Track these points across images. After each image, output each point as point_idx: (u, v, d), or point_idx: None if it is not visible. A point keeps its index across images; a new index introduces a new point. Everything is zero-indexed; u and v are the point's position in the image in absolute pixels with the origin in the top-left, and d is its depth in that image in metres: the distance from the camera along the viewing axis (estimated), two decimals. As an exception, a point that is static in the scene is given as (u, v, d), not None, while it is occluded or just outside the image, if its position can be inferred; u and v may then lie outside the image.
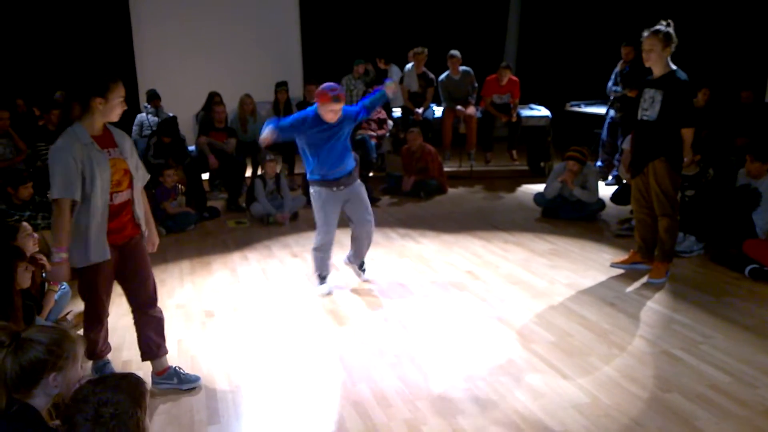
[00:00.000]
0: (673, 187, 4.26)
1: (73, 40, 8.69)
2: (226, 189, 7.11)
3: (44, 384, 1.79)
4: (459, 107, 7.80)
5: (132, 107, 2.92)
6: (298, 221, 6.19)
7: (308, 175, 4.16)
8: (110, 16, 8.94)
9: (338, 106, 3.90)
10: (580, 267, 4.74)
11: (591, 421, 2.74)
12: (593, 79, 8.60)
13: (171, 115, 7.62)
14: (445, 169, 7.63)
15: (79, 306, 4.00)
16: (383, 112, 7.77)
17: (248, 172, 7.38)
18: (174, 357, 3.23)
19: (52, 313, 3.67)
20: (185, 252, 5.26)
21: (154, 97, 7.96)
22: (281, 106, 7.83)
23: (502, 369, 3.22)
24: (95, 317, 3.00)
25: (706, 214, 5.08)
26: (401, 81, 8.03)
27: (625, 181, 6.18)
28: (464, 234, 5.67)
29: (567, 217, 6.03)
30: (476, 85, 8.00)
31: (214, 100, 7.29)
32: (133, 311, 3.05)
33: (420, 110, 7.91)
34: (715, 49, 7.78)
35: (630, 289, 4.32)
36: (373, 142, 7.48)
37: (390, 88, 4.13)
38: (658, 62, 4.10)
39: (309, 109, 4.05)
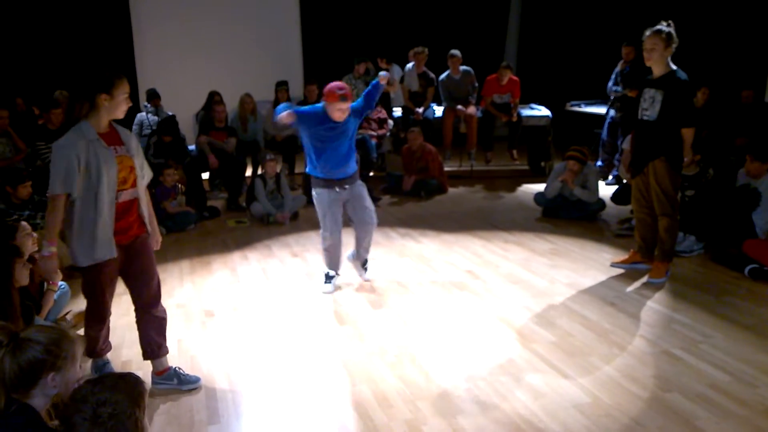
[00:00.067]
0: (673, 187, 4.26)
1: (73, 39, 8.69)
2: (226, 188, 7.11)
3: (43, 384, 1.79)
4: (459, 107, 7.80)
5: (132, 106, 2.91)
6: (298, 221, 6.19)
7: (310, 170, 4.16)
8: (110, 15, 8.93)
9: (345, 105, 3.93)
10: (581, 266, 4.74)
11: (592, 421, 2.74)
12: (593, 79, 8.60)
13: (170, 114, 7.61)
14: (446, 168, 7.63)
15: (78, 306, 4.00)
16: (383, 111, 7.77)
17: (248, 172, 7.37)
18: (174, 357, 3.22)
19: (51, 312, 3.67)
20: (185, 251, 5.26)
21: (153, 96, 7.95)
22: (281, 106, 7.82)
23: (503, 369, 3.22)
24: (97, 316, 3.00)
25: (706, 214, 5.08)
26: (402, 80, 8.02)
27: (625, 181, 6.18)
28: (464, 233, 5.67)
29: (567, 216, 6.03)
30: (477, 84, 8.00)
31: (214, 99, 7.29)
32: (136, 310, 3.04)
33: (420, 110, 7.91)
34: (714, 48, 7.77)
35: (630, 288, 4.32)
36: (374, 141, 7.48)
37: (383, 78, 4.12)
38: (659, 62, 4.10)
39: (319, 105, 4.07)
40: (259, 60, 9.55)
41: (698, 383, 3.04)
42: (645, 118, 4.20)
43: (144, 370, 3.11)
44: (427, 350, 3.44)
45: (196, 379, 3.09)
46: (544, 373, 3.17)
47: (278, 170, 6.50)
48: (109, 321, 3.08)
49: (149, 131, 7.45)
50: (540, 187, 6.58)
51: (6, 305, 2.85)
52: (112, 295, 2.99)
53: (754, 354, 3.33)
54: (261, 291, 4.38)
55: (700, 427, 2.68)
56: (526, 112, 8.10)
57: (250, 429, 2.77)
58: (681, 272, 4.58)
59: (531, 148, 8.45)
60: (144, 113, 7.84)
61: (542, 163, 8.21)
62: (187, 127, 8.37)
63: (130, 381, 1.80)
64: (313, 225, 5.94)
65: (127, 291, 3.05)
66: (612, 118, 7.58)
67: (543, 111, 8.20)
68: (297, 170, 7.94)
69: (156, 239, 3.08)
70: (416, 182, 7.17)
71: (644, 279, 4.44)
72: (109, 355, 3.19)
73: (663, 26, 4.06)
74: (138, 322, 3.05)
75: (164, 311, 3.09)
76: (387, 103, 8.08)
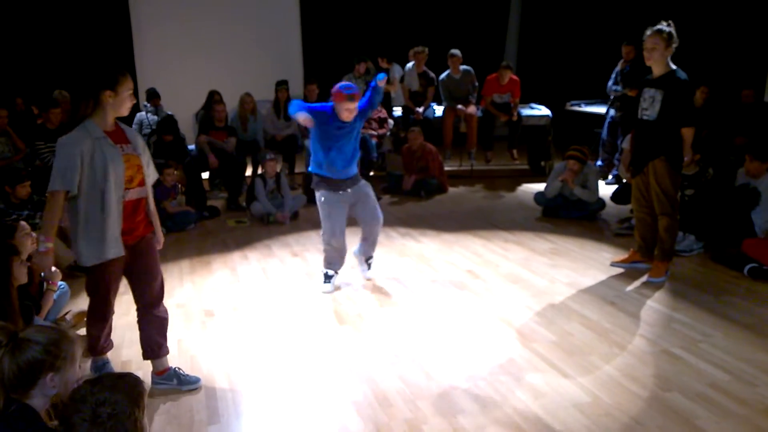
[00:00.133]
0: (673, 187, 4.26)
1: (73, 39, 8.69)
2: (226, 188, 7.11)
3: (42, 384, 1.79)
4: (459, 106, 7.79)
5: (132, 106, 2.92)
6: (298, 220, 6.19)
7: (314, 170, 4.17)
8: (110, 15, 8.93)
9: (353, 105, 3.97)
10: (581, 266, 4.74)
11: (592, 420, 2.74)
12: (593, 79, 8.60)
13: (170, 113, 7.61)
14: (446, 168, 7.63)
15: (78, 305, 4.00)
16: (384, 111, 7.77)
17: (248, 171, 7.37)
18: (174, 356, 3.22)
19: (50, 312, 3.67)
20: (185, 251, 5.26)
21: (153, 96, 7.95)
22: (282, 105, 7.82)
23: (503, 368, 3.22)
24: (100, 314, 2.99)
25: (706, 214, 5.08)
26: (402, 80, 8.02)
27: (625, 181, 6.18)
28: (465, 233, 5.67)
29: (567, 216, 6.03)
30: (477, 84, 8.00)
31: (214, 98, 7.28)
32: (138, 309, 3.03)
33: (420, 109, 7.91)
34: (714, 48, 7.77)
35: (630, 288, 4.32)
36: (374, 141, 7.48)
37: (381, 82, 4.14)
38: (659, 62, 4.10)
39: (329, 104, 4.10)
40: (259, 59, 9.55)
41: (698, 382, 3.04)
42: (645, 117, 4.20)
43: (144, 370, 3.11)
44: (427, 350, 3.44)
45: (196, 380, 3.08)
46: (544, 372, 3.17)
47: (278, 170, 6.50)
48: (111, 320, 3.08)
49: (149, 131, 7.45)
50: (540, 186, 6.58)
51: (5, 304, 2.85)
52: (116, 295, 2.99)
53: (754, 353, 3.33)
54: (261, 291, 4.38)
55: (700, 426, 2.68)
56: (526, 111, 8.10)
57: (250, 429, 2.77)
58: (681, 271, 4.58)
59: (531, 148, 8.45)
60: (144, 113, 7.84)
61: (542, 163, 8.21)
62: (187, 126, 8.37)
63: (130, 381, 1.80)
64: (314, 225, 5.94)
65: (127, 290, 3.05)
66: (612, 117, 7.58)
67: (543, 110, 8.20)
68: (297, 170, 7.94)
69: (159, 239, 3.08)
70: (416, 182, 7.17)
71: (644, 278, 4.44)
72: (108, 355, 3.19)
73: (664, 26, 4.06)
74: (139, 321, 3.05)
75: (166, 311, 3.09)
76: (387, 103, 8.08)
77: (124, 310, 3.62)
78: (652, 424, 2.70)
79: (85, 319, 3.10)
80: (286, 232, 5.82)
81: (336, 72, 8.34)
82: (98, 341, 3.05)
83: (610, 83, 7.62)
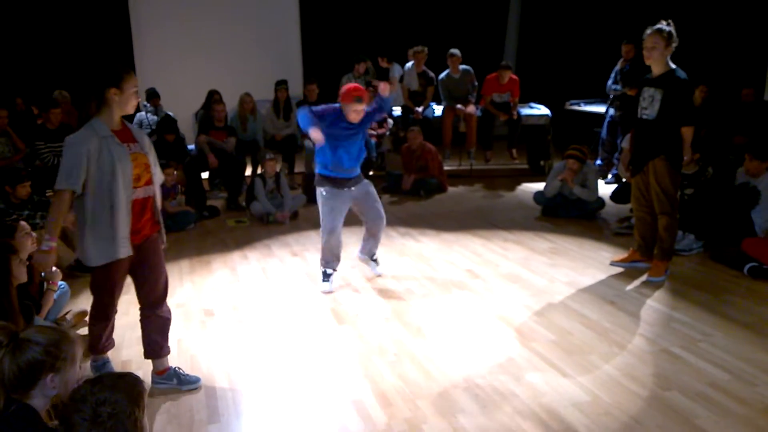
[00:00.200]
0: (673, 186, 4.26)
1: (73, 38, 8.69)
2: (225, 188, 7.11)
3: (42, 385, 1.79)
4: (459, 106, 7.79)
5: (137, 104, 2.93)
6: (298, 220, 6.19)
7: (321, 170, 4.19)
8: (109, 14, 8.93)
9: (361, 107, 4.03)
10: (580, 265, 4.74)
11: (591, 420, 2.74)
12: (593, 78, 8.59)
13: (169, 113, 7.61)
14: (445, 167, 7.63)
15: (78, 305, 4.01)
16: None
17: (248, 171, 7.37)
18: (174, 356, 3.22)
19: (51, 312, 3.67)
20: (185, 251, 5.26)
21: (153, 95, 7.95)
22: (281, 105, 7.83)
23: (502, 368, 3.22)
24: (103, 313, 2.99)
25: (706, 213, 5.08)
26: (401, 80, 8.02)
27: (624, 180, 6.18)
28: (464, 232, 5.67)
29: (567, 215, 6.04)
30: (476, 83, 8.00)
31: (213, 98, 7.29)
32: (141, 309, 3.03)
33: (420, 109, 7.91)
34: (713, 47, 7.77)
35: (630, 287, 4.32)
36: (373, 140, 7.48)
37: (384, 90, 4.16)
38: (659, 61, 4.10)
39: (336, 105, 4.16)
40: (259, 59, 9.55)
41: (698, 382, 3.04)
42: (644, 116, 4.20)
43: (144, 369, 3.12)
44: (426, 349, 3.45)
45: (196, 380, 3.09)
46: (543, 371, 3.17)
47: (278, 169, 6.50)
48: (114, 319, 3.07)
49: (149, 131, 7.45)
50: (539, 186, 6.58)
51: (5, 303, 2.85)
52: (120, 294, 2.98)
53: (754, 352, 3.33)
54: (261, 290, 4.39)
55: (700, 426, 2.68)
56: (525, 111, 8.10)
57: (250, 428, 2.77)
58: (680, 271, 4.59)
59: (530, 147, 8.45)
60: (143, 113, 7.84)
61: (542, 162, 8.21)
62: (187, 126, 8.37)
63: (130, 381, 1.80)
64: (313, 224, 5.94)
65: (126, 290, 3.05)
66: (611, 116, 7.58)
67: (542, 110, 8.20)
68: (296, 170, 7.94)
69: (163, 238, 3.07)
70: (416, 181, 7.17)
71: (643, 277, 4.44)
72: (109, 355, 3.19)
73: (663, 25, 4.06)
74: (142, 320, 3.04)
75: (169, 311, 3.09)
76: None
77: (124, 309, 3.62)
78: (652, 424, 2.71)
79: (87, 318, 3.09)
80: (286, 231, 5.82)
81: (335, 72, 8.36)
82: (100, 340, 3.05)
83: (609, 82, 7.61)
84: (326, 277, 4.34)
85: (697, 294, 4.17)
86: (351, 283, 4.48)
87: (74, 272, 4.55)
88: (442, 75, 7.92)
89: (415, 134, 7.15)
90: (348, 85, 4.11)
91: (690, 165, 5.03)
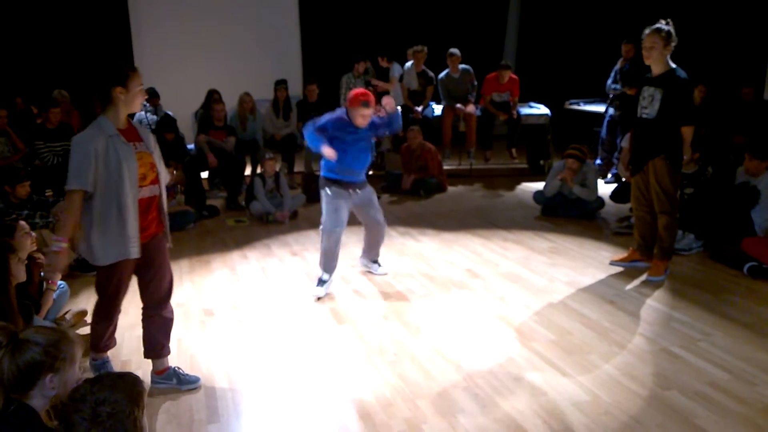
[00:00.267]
0: (673, 185, 4.26)
1: (72, 38, 8.69)
2: (225, 187, 7.10)
3: (41, 385, 1.79)
4: (459, 105, 7.79)
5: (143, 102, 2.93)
6: (297, 220, 6.19)
7: (326, 174, 4.19)
8: (109, 14, 8.93)
9: (368, 111, 4.06)
10: (580, 265, 4.74)
11: (591, 419, 2.74)
12: (593, 77, 8.59)
13: (169, 113, 7.61)
14: (445, 167, 7.63)
15: (77, 305, 4.01)
16: (383, 110, 7.75)
17: (247, 171, 7.37)
18: (173, 356, 3.22)
19: (50, 312, 3.66)
20: (184, 251, 5.25)
21: (153, 95, 7.94)
22: (281, 104, 7.83)
23: (502, 367, 3.22)
24: (107, 313, 2.97)
25: (705, 212, 5.08)
26: (401, 79, 8.02)
27: (624, 179, 6.17)
28: (464, 232, 5.67)
29: (566, 215, 6.03)
30: (476, 83, 8.00)
31: (213, 98, 7.28)
32: (144, 308, 3.02)
33: (420, 108, 7.91)
34: (712, 46, 7.77)
35: (629, 286, 4.32)
36: (373, 140, 7.47)
37: (390, 105, 4.18)
38: (658, 60, 4.10)
39: (340, 111, 4.20)
40: (258, 59, 9.54)
41: (697, 381, 3.04)
42: (644, 116, 4.20)
43: (143, 369, 3.12)
44: (426, 349, 3.44)
45: (196, 380, 3.08)
46: (543, 371, 3.17)
47: (277, 169, 6.50)
48: (117, 319, 3.06)
49: (148, 130, 7.44)
50: (539, 185, 6.58)
51: (4, 303, 2.85)
52: (125, 294, 2.96)
53: (753, 352, 3.33)
54: (260, 290, 4.38)
55: (699, 425, 2.68)
56: (525, 110, 8.10)
57: (249, 428, 2.77)
58: (680, 270, 4.59)
59: (530, 147, 8.45)
60: (143, 112, 7.82)
61: (541, 162, 8.21)
62: (186, 126, 8.36)
63: (129, 380, 1.80)
64: (313, 224, 5.94)
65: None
66: (611, 116, 7.58)
67: (542, 109, 8.20)
68: (296, 169, 7.94)
69: (168, 238, 3.05)
70: (415, 181, 7.17)
71: (643, 277, 4.44)
72: (108, 354, 3.18)
73: (662, 24, 4.06)
74: (144, 320, 3.03)
75: (172, 312, 3.08)
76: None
77: (124, 309, 3.59)
78: (652, 423, 2.71)
79: (90, 317, 3.07)
80: (286, 231, 5.82)
81: (335, 71, 8.35)
82: (102, 339, 3.04)
83: (609, 82, 7.61)
84: (321, 283, 4.26)
85: (696, 293, 4.17)
86: (351, 282, 4.48)
87: (74, 272, 4.54)
88: (442, 74, 7.92)
89: (414, 134, 7.15)
90: (356, 90, 4.16)
91: (690, 164, 5.03)
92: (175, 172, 6.06)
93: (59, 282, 3.74)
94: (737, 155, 5.65)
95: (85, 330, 3.74)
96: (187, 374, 3.09)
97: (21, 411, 1.75)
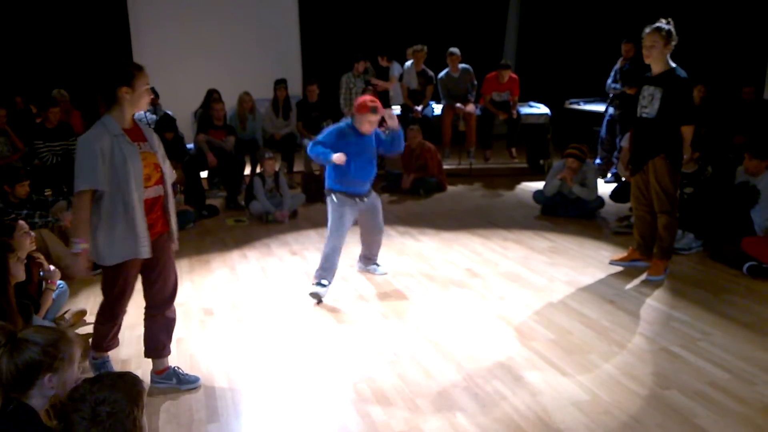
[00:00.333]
0: (673, 185, 4.26)
1: (72, 37, 8.68)
2: (224, 187, 7.10)
3: (40, 385, 1.79)
4: (458, 105, 7.79)
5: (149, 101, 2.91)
6: (297, 219, 6.18)
7: (331, 185, 4.19)
8: (108, 13, 8.92)
9: (375, 117, 4.08)
10: (579, 264, 4.74)
11: (591, 419, 2.74)
12: (592, 77, 8.59)
13: (168, 112, 7.60)
14: (445, 166, 7.63)
15: (77, 304, 4.00)
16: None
17: (247, 170, 7.37)
18: (173, 355, 3.21)
19: (49, 312, 3.66)
20: (184, 250, 5.23)
21: (152, 95, 7.93)
22: (280, 104, 7.82)
23: (502, 367, 3.22)
24: (111, 313, 2.95)
25: (705, 212, 5.08)
26: (401, 78, 8.02)
27: (624, 179, 6.17)
28: (463, 232, 5.67)
29: (566, 214, 6.03)
30: (475, 82, 7.99)
31: (212, 97, 7.28)
32: (147, 308, 3.01)
33: (419, 108, 7.90)
34: (712, 46, 7.77)
35: (629, 286, 4.32)
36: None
37: (391, 120, 4.18)
38: (658, 59, 4.10)
39: (342, 123, 4.22)
40: (258, 58, 9.53)
41: (697, 381, 3.04)
42: (644, 115, 4.20)
43: (143, 369, 3.12)
44: (425, 348, 3.44)
45: (195, 379, 3.08)
46: (542, 370, 3.17)
47: (277, 168, 6.49)
48: (122, 319, 3.03)
49: (152, 130, 7.43)
50: (539, 185, 6.58)
51: (3, 302, 2.85)
52: (131, 295, 2.94)
53: (753, 351, 3.33)
54: (260, 289, 4.38)
55: (699, 425, 2.68)
56: (525, 110, 8.09)
57: (249, 427, 2.77)
58: (680, 270, 4.59)
59: (530, 146, 8.44)
60: (142, 111, 7.81)
61: (541, 161, 8.21)
62: (186, 125, 8.36)
63: (129, 380, 1.80)
64: (312, 223, 5.94)
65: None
66: (611, 115, 7.58)
67: (542, 109, 8.19)
68: (296, 169, 7.94)
69: (174, 239, 3.02)
70: (415, 180, 7.17)
71: (643, 276, 4.44)
72: (109, 353, 3.17)
73: (663, 24, 4.06)
74: (147, 319, 3.02)
75: (174, 312, 3.07)
76: (386, 101, 8.07)
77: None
78: (651, 423, 2.71)
79: (95, 316, 3.02)
80: (285, 230, 5.81)
81: (335, 71, 8.34)
82: (105, 339, 3.03)
83: (609, 81, 7.61)
84: (321, 286, 4.15)
85: (696, 293, 4.17)
86: (350, 282, 4.48)
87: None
88: (442, 74, 7.91)
89: (414, 133, 7.14)
90: (363, 97, 4.18)
91: (690, 164, 5.03)
92: (174, 171, 6.06)
93: (58, 282, 3.75)
94: (737, 155, 5.65)
95: (85, 329, 3.75)
96: (187, 374, 3.09)
97: (20, 410, 1.75)
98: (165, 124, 6.78)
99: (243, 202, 6.49)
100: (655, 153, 4.20)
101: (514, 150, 7.96)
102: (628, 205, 5.52)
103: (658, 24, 4.06)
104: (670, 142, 4.15)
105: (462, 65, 7.89)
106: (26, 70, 8.43)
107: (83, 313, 3.89)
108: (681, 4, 7.61)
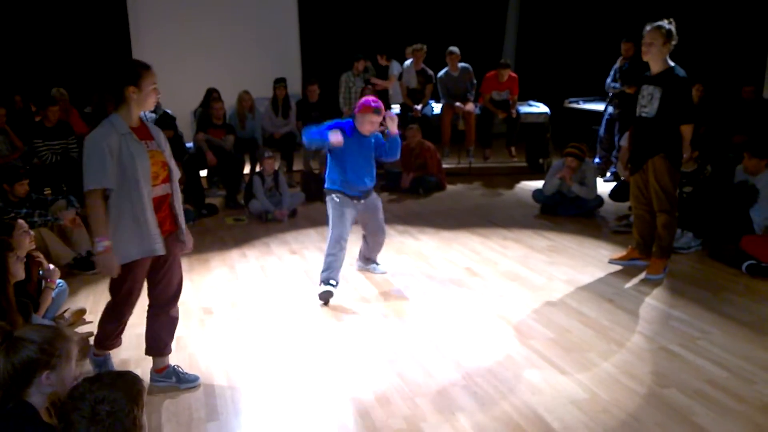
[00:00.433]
0: (672, 184, 4.26)
1: (71, 36, 8.68)
2: (224, 186, 7.10)
3: (38, 383, 1.79)
4: (458, 104, 7.79)
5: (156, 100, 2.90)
6: (296, 218, 6.18)
7: (329, 186, 4.19)
8: (108, 12, 8.92)
9: (377, 118, 4.09)
10: (579, 263, 4.75)
11: (589, 417, 2.74)
12: (592, 76, 8.59)
13: (168, 111, 7.60)
14: (444, 165, 7.63)
15: (76, 303, 4.01)
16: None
17: (246, 169, 7.37)
18: (173, 354, 3.21)
19: (49, 310, 3.66)
20: (183, 249, 5.25)
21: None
22: (280, 103, 7.82)
23: (501, 365, 3.22)
24: (118, 313, 2.93)
25: (704, 211, 5.08)
26: (400, 77, 8.02)
27: (623, 178, 6.18)
28: (463, 231, 5.67)
29: (565, 213, 6.03)
30: (475, 81, 7.99)
31: (212, 96, 7.27)
32: (151, 306, 3.00)
33: (419, 107, 7.90)
34: (711, 45, 7.77)
35: (628, 285, 4.32)
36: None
37: (391, 122, 4.20)
38: (656, 57, 4.10)
39: (347, 120, 4.21)
40: (258, 57, 9.53)
41: (696, 379, 3.04)
42: (643, 114, 4.20)
43: (142, 368, 3.12)
44: (425, 347, 3.45)
45: (195, 378, 3.08)
46: (542, 369, 3.17)
47: (276, 167, 6.50)
48: (127, 319, 3.00)
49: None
50: (538, 184, 6.58)
51: (2, 301, 2.85)
52: (138, 296, 2.92)
53: (752, 350, 3.34)
54: (259, 288, 4.38)
55: (698, 423, 2.69)
56: (524, 109, 8.10)
57: (248, 426, 2.77)
58: (679, 269, 4.59)
59: (529, 145, 8.45)
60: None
61: (540, 160, 8.21)
62: (185, 124, 8.36)
63: (129, 379, 1.80)
64: (312, 222, 5.95)
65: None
66: (610, 114, 7.58)
67: (541, 108, 8.19)
68: (295, 167, 7.94)
69: (189, 239, 2.99)
70: (414, 179, 7.17)
71: (642, 275, 4.44)
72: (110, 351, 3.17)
73: (664, 23, 4.06)
74: (150, 317, 3.01)
75: (178, 311, 3.07)
76: (385, 101, 8.07)
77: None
78: (650, 421, 2.71)
79: (101, 314, 3.00)
80: (285, 229, 5.81)
81: (334, 70, 8.34)
82: (108, 339, 3.02)
83: (608, 80, 7.61)
84: (329, 286, 4.08)
85: (695, 292, 4.17)
86: (350, 281, 4.48)
87: (73, 270, 4.54)
88: (441, 73, 7.91)
89: (413, 132, 7.14)
90: (368, 97, 4.19)
91: (689, 163, 5.03)
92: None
93: (58, 280, 3.75)
94: (736, 154, 5.66)
95: (84, 328, 3.76)
96: (187, 373, 3.09)
97: (20, 408, 1.75)
98: (164, 123, 6.78)
99: (242, 201, 6.49)
100: (654, 152, 4.20)
101: (513, 149, 7.96)
102: (627, 204, 5.53)
103: (659, 23, 4.06)
104: (669, 141, 4.16)
105: (461, 64, 7.89)
106: (26, 69, 8.43)
107: (83, 311, 3.89)
108: (681, 3, 7.61)
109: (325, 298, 4.06)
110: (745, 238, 4.61)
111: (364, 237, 4.54)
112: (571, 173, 5.94)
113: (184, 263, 4.84)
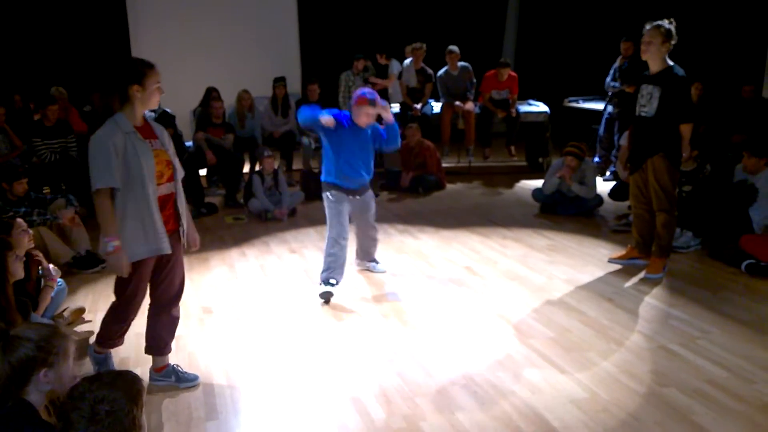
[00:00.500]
0: (671, 183, 4.26)
1: (71, 36, 8.67)
2: (223, 185, 7.10)
3: (35, 381, 1.79)
4: (457, 103, 7.79)
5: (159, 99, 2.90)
6: (296, 217, 6.18)
7: (325, 178, 4.18)
8: (108, 11, 8.91)
9: (373, 110, 4.06)
10: (578, 262, 4.75)
11: (589, 416, 2.74)
12: (591, 75, 8.60)
13: (167, 110, 7.59)
14: (444, 164, 7.63)
15: (75, 302, 4.00)
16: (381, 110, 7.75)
17: (246, 168, 7.36)
18: (172, 354, 3.21)
19: (48, 309, 3.66)
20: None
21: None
22: (279, 102, 7.82)
23: (501, 364, 3.22)
24: (122, 315, 2.91)
25: (704, 210, 5.09)
26: (400, 76, 8.01)
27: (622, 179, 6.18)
28: (462, 230, 5.67)
29: (565, 212, 6.04)
30: (475, 80, 7.99)
31: (211, 95, 7.27)
32: (152, 305, 2.99)
33: (418, 106, 7.90)
34: (711, 44, 7.77)
35: (628, 284, 4.32)
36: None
37: (386, 113, 4.17)
38: (655, 56, 4.10)
39: (345, 112, 4.20)
40: (257, 57, 9.52)
41: (695, 379, 3.04)
42: (643, 114, 4.20)
43: (142, 367, 3.12)
44: (425, 346, 3.45)
45: (194, 377, 3.08)
46: (541, 368, 3.17)
47: (276, 166, 6.49)
48: (131, 320, 2.98)
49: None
50: (538, 183, 6.58)
51: (1, 300, 2.85)
52: (143, 296, 2.90)
53: (752, 350, 3.34)
54: (259, 288, 4.38)
55: (697, 423, 2.69)
56: (524, 108, 8.09)
57: (248, 425, 2.77)
58: (678, 268, 4.59)
59: (529, 144, 8.44)
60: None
61: (540, 159, 8.21)
62: (185, 123, 8.35)
63: (128, 379, 1.80)
64: (311, 222, 5.94)
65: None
66: (609, 113, 7.59)
67: (541, 107, 8.19)
68: (295, 166, 7.94)
69: (195, 238, 2.99)
70: (414, 178, 7.16)
71: (641, 275, 4.44)
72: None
73: (664, 22, 4.06)
74: (151, 316, 3.01)
75: (179, 311, 3.06)
76: (385, 99, 8.06)
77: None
78: (650, 420, 2.71)
79: (105, 314, 2.98)
80: (284, 228, 5.81)
81: (334, 69, 8.34)
82: (111, 338, 3.01)
83: (608, 79, 7.62)
84: (330, 286, 4.10)
85: (694, 291, 4.17)
86: (349, 280, 4.48)
87: (72, 269, 4.54)
88: (441, 72, 7.91)
89: (413, 131, 7.14)
90: (363, 88, 4.17)
91: (688, 162, 5.03)
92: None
93: (57, 279, 3.74)
94: (736, 153, 5.66)
95: (83, 327, 3.76)
96: (186, 372, 3.09)
97: (19, 407, 1.75)
98: (164, 122, 6.76)
99: (242, 200, 6.49)
100: (653, 151, 4.20)
101: (513, 148, 7.96)
102: (626, 203, 5.53)
103: (658, 22, 4.06)
104: (668, 140, 4.16)
105: (461, 63, 7.88)
106: (25, 68, 8.42)
107: (82, 310, 3.88)
108: (681, 3, 7.61)
109: (326, 297, 4.06)
110: (744, 237, 4.61)
111: (356, 233, 4.50)
112: (570, 172, 5.94)
113: (184, 262, 4.87)
